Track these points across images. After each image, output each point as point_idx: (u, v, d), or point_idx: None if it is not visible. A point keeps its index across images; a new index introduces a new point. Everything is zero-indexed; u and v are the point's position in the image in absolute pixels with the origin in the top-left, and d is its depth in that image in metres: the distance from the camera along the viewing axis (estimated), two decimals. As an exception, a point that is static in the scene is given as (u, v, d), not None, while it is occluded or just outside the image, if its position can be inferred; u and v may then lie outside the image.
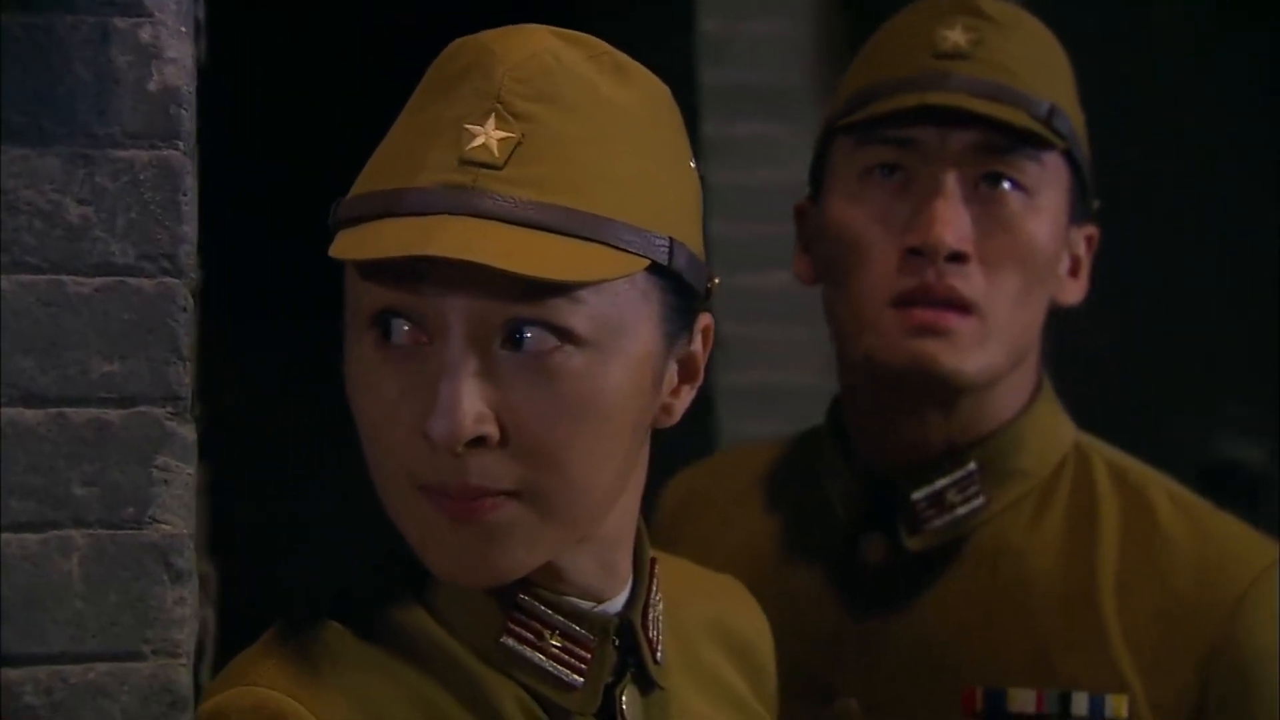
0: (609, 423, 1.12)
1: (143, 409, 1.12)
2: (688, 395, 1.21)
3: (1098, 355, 1.69)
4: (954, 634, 1.57)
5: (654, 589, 1.24)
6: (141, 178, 1.13)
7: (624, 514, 1.21)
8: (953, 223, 1.53)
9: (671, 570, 1.30)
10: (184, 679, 1.11)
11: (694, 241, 1.17)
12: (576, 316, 1.10)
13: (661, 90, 1.19)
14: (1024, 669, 1.54)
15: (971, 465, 1.59)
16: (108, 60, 1.12)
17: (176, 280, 1.13)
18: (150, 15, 1.14)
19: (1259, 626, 1.53)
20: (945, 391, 1.56)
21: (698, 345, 1.21)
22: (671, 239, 1.13)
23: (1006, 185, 1.56)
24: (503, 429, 1.10)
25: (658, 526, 1.80)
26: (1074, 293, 1.66)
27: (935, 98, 1.54)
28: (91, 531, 1.10)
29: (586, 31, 1.18)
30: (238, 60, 1.86)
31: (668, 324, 1.16)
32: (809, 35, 3.10)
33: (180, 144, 1.14)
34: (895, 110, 1.55)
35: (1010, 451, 1.60)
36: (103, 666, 1.09)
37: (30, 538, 1.09)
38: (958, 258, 1.54)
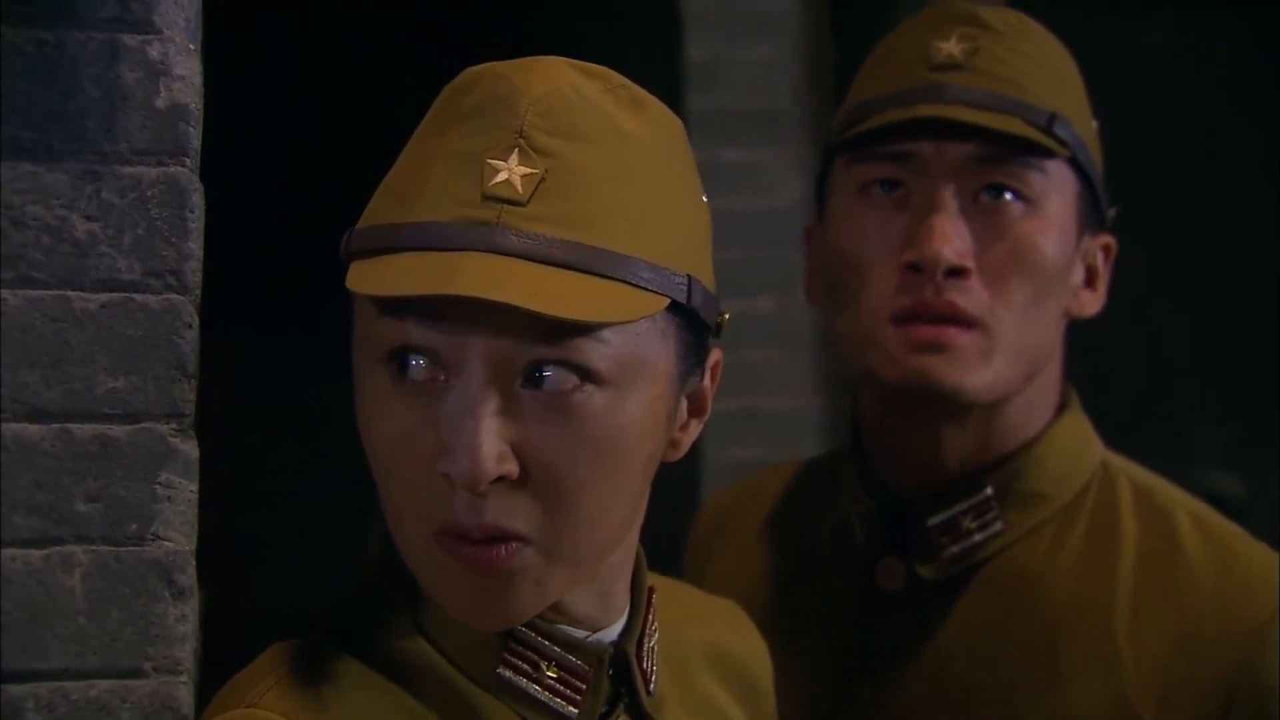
0: (625, 461, 1.12)
1: (147, 425, 1.12)
2: (695, 429, 1.20)
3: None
4: (969, 664, 1.53)
5: (650, 619, 1.23)
6: (149, 194, 1.13)
7: (625, 549, 1.20)
8: (950, 237, 1.50)
9: (669, 595, 1.30)
10: (185, 696, 1.11)
11: (707, 277, 1.16)
12: (598, 356, 1.09)
13: (675, 123, 1.18)
14: (1038, 702, 1.50)
15: (988, 490, 1.55)
16: (116, 77, 1.12)
17: (182, 297, 1.13)
18: (159, 33, 1.14)
19: (1276, 660, 1.46)
20: (951, 409, 1.53)
21: (707, 380, 1.20)
22: (690, 276, 1.12)
23: (1008, 196, 1.52)
24: (522, 467, 1.09)
25: (693, 548, 1.78)
26: (1091, 304, 1.61)
27: (928, 110, 1.52)
28: (94, 548, 1.10)
29: (574, 57, 1.17)
30: (232, 76, 1.86)
31: (683, 361, 1.15)
32: (795, 61, 3.11)
33: (187, 161, 1.14)
34: (889, 124, 1.54)
35: (1029, 474, 1.56)
36: (104, 683, 1.09)
37: (33, 553, 1.09)
38: (957, 272, 1.50)
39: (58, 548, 1.09)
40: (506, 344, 1.08)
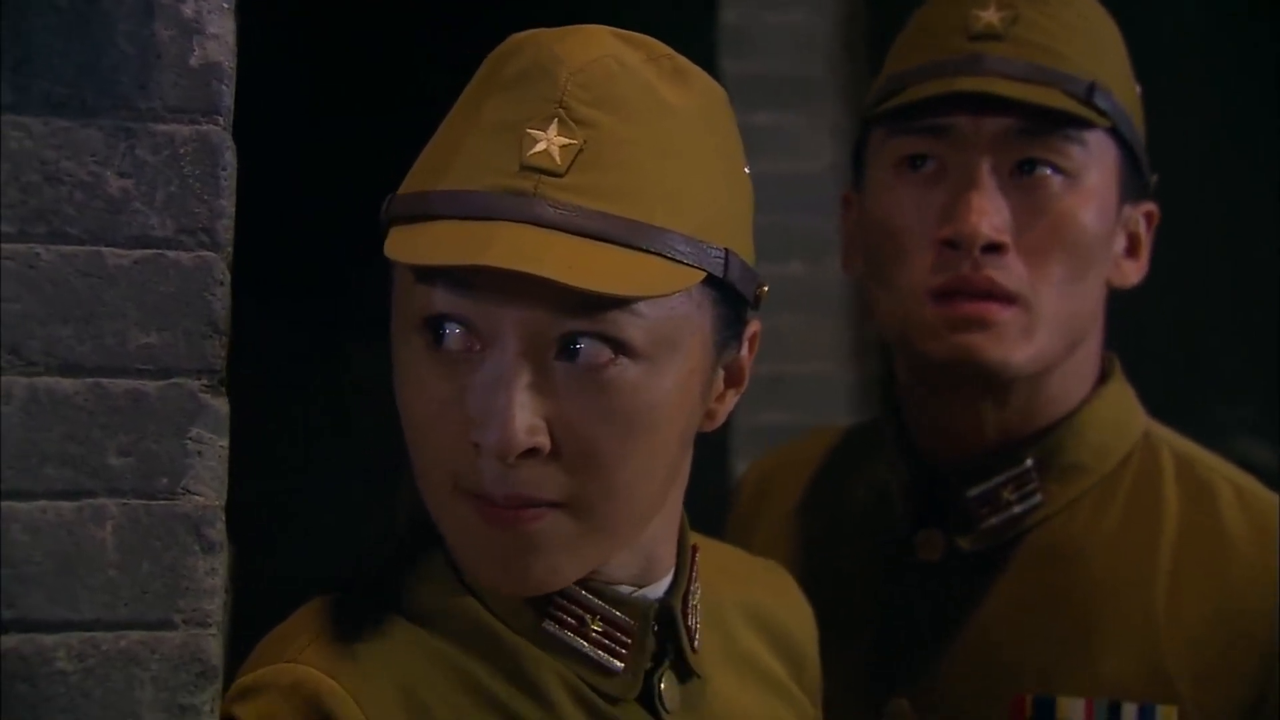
0: (659, 434, 1.12)
1: (178, 381, 1.13)
2: (732, 400, 1.20)
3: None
4: (1007, 636, 1.53)
5: (694, 577, 1.24)
6: (181, 152, 1.13)
7: (668, 513, 1.20)
8: (988, 213, 1.49)
9: (712, 555, 1.30)
10: (214, 649, 1.12)
11: (746, 249, 1.16)
12: (633, 329, 1.09)
13: (718, 94, 1.17)
14: (1075, 674, 1.50)
15: (1028, 462, 1.54)
16: (150, 34, 1.13)
17: (214, 254, 1.14)
18: (192, -10, 1.15)
19: None
20: (994, 383, 1.52)
21: (745, 351, 1.19)
22: (727, 250, 1.12)
23: (1046, 170, 1.51)
24: (554, 440, 1.09)
25: (736, 512, 1.78)
26: (1133, 274, 1.59)
27: (965, 83, 1.50)
28: (125, 501, 1.11)
29: (607, 21, 1.17)
30: (262, 40, 1.87)
31: (719, 334, 1.15)
32: (829, 26, 3.10)
33: (220, 119, 1.14)
34: (926, 98, 1.53)
35: (1068, 446, 1.55)
36: (134, 635, 1.10)
37: (65, 505, 1.10)
38: (994, 248, 1.49)
39: (89, 500, 1.10)
40: (540, 315, 1.08)
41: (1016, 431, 1.57)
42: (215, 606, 1.12)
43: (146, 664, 1.10)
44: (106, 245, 1.12)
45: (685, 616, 1.22)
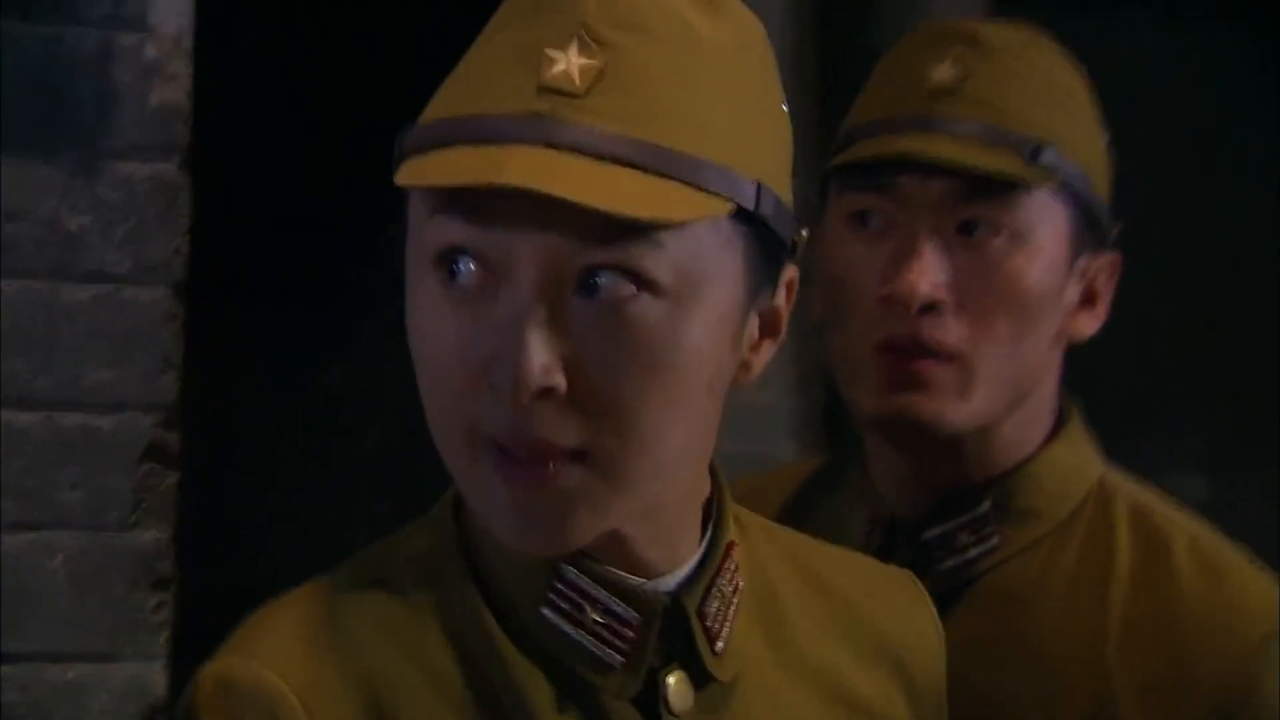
0: (683, 379, 1.06)
1: (131, 415, 1.14)
2: (768, 351, 1.11)
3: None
4: (961, 680, 1.52)
5: (723, 573, 1.14)
6: (139, 190, 1.15)
7: (689, 481, 1.12)
8: (927, 272, 1.49)
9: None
10: (161, 681, 1.13)
11: (783, 188, 1.10)
12: (655, 262, 1.03)
13: (754, 25, 1.11)
14: (1028, 717, 1.51)
15: (985, 506, 1.55)
16: (110, 75, 1.14)
17: (169, 291, 1.15)
18: (153, 32, 1.16)
19: (1269, 686, 1.41)
20: (934, 440, 1.54)
21: (781, 299, 1.11)
22: (759, 182, 1.06)
23: (988, 231, 1.52)
24: (571, 381, 1.03)
25: None
26: (1089, 325, 1.58)
27: (909, 144, 1.51)
28: (76, 534, 1.12)
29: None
30: (224, 63, 1.87)
31: (752, 275, 1.08)
32: (782, 72, 3.12)
33: (178, 158, 1.16)
34: (872, 158, 1.54)
35: (1024, 492, 1.55)
36: (82, 667, 1.11)
37: (17, 539, 1.11)
38: (932, 307, 1.51)
39: (41, 533, 1.12)
40: (557, 245, 1.02)
41: (972, 478, 1.57)
42: (162, 640, 1.13)
43: (94, 696, 1.11)
44: (64, 281, 1.13)
45: (704, 616, 1.13)
